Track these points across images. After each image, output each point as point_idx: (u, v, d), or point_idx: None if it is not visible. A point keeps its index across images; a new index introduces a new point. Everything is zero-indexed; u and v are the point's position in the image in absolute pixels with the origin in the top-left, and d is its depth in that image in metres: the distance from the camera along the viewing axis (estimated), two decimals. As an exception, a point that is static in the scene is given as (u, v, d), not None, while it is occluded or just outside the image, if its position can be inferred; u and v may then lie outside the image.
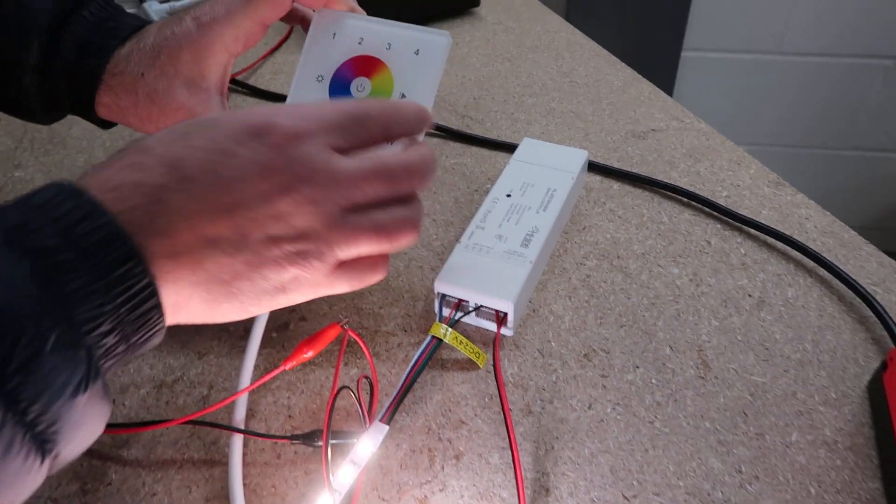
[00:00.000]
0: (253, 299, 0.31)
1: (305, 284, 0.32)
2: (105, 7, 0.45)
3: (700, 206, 0.54)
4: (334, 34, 0.43)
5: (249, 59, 0.75)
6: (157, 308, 0.27)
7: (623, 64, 0.73)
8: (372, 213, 0.32)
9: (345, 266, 0.33)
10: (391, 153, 0.33)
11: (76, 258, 0.25)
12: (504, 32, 0.80)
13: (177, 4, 0.80)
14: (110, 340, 0.26)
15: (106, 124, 0.47)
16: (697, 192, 0.55)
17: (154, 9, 0.80)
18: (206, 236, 0.29)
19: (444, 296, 0.44)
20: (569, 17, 1.47)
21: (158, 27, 0.43)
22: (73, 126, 0.65)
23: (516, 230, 0.47)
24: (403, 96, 0.41)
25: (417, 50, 0.41)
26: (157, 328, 0.28)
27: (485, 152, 0.61)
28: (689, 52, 1.59)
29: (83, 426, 0.25)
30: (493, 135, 0.62)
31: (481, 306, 0.44)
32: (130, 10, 0.82)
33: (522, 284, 0.44)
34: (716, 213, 0.53)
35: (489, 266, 0.45)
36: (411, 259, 0.50)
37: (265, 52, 0.76)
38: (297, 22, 0.47)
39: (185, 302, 0.29)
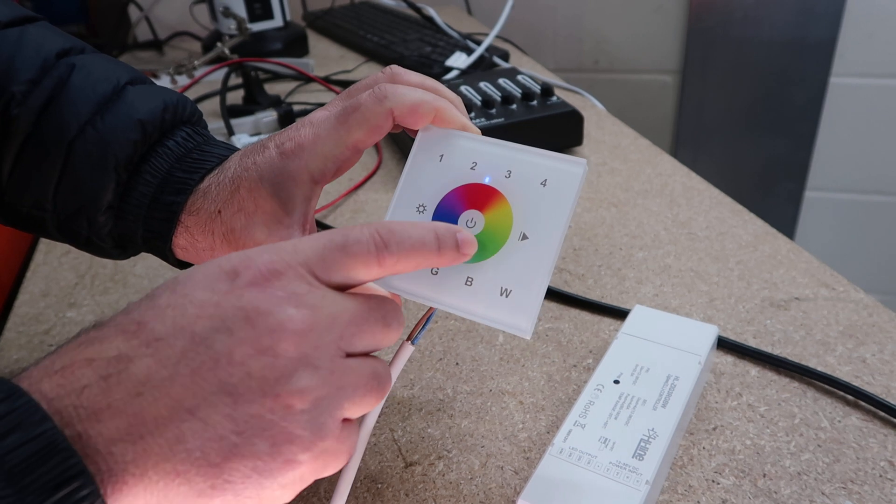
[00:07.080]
0: (252, 487, 0.24)
1: (320, 457, 0.25)
2: (192, 136, 0.40)
3: (872, 407, 0.41)
4: (441, 156, 0.35)
5: (330, 196, 0.69)
6: None
7: (752, 214, 0.63)
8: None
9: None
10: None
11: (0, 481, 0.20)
12: (609, 174, 0.72)
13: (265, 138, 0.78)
14: None
15: (184, 265, 0.41)
16: (866, 388, 0.42)
17: (243, 142, 0.78)
18: (184, 405, 0.23)
19: (529, 520, 0.34)
20: (676, 155, 1.39)
21: (240, 156, 0.38)
22: (138, 263, 0.61)
23: (627, 433, 0.37)
24: (525, 237, 0.32)
25: (545, 180, 0.33)
26: None
27: (586, 317, 0.51)
28: (813, 193, 1.46)
29: None
30: (595, 294, 0.53)
31: (578, 541, 0.33)
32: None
33: (635, 515, 0.32)
34: (896, 420, 0.40)
35: (590, 484, 0.34)
36: (489, 455, 0.40)
37: (347, 189, 0.71)
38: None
39: None
